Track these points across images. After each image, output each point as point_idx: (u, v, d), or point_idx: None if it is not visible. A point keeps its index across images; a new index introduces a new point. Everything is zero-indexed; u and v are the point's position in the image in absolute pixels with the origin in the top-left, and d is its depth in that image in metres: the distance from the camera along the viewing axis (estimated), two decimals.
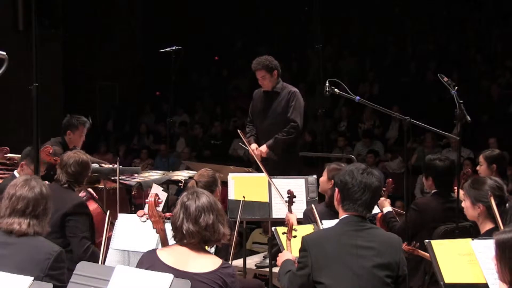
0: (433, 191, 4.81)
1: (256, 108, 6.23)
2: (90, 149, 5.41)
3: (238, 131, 5.80)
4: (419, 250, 4.14)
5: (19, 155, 6.10)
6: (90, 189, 5.12)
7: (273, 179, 5.03)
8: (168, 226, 3.14)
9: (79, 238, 4.30)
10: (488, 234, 3.62)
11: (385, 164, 10.31)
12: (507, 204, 3.89)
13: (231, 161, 10.69)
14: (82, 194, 4.97)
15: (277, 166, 5.77)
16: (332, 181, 4.53)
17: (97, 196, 5.12)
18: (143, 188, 5.72)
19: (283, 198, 4.70)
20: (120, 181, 5.52)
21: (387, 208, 4.87)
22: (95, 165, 5.62)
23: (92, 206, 4.82)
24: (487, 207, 3.70)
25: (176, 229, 3.00)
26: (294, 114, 5.96)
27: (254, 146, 5.96)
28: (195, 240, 2.97)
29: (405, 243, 4.08)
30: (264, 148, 5.95)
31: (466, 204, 3.81)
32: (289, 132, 5.94)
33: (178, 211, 3.02)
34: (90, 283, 2.78)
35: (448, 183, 4.74)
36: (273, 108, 6.06)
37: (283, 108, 6.00)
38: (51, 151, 5.29)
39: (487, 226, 3.71)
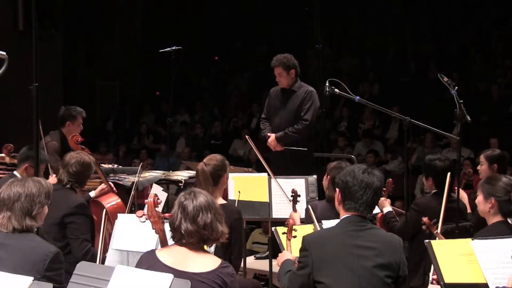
0: (433, 191, 4.82)
1: (272, 105, 6.28)
2: (90, 149, 5.41)
3: (246, 136, 5.82)
4: (438, 232, 4.13)
5: None
6: (110, 182, 5.14)
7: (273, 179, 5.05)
8: (167, 227, 3.13)
9: (80, 240, 4.29)
10: (495, 225, 3.73)
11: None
12: None
13: (231, 161, 10.64)
14: (103, 186, 5.01)
15: (291, 166, 5.78)
16: (330, 176, 4.57)
17: (116, 190, 5.14)
18: (137, 188, 5.73)
19: (287, 197, 4.72)
20: (115, 181, 5.52)
21: (387, 208, 4.88)
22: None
23: (112, 198, 4.87)
24: (498, 202, 3.75)
25: (175, 229, 3.00)
26: (308, 113, 6.01)
27: (272, 136, 6.07)
28: (194, 239, 2.96)
29: (427, 217, 4.09)
30: (272, 137, 6.03)
31: (478, 198, 3.87)
32: (299, 129, 5.98)
33: (176, 211, 3.02)
34: (90, 283, 2.78)
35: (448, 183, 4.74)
36: (288, 106, 6.12)
37: (298, 106, 6.06)
38: (79, 139, 5.33)
39: (495, 219, 3.78)
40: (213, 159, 4.43)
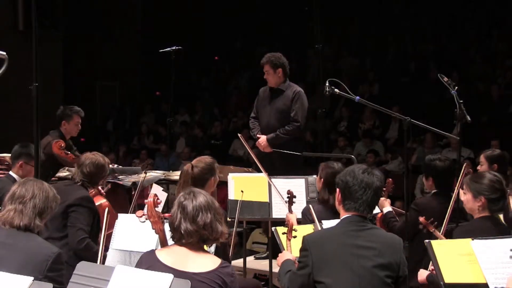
0: (433, 191, 4.82)
1: (260, 104, 6.30)
2: (90, 149, 5.42)
3: (239, 135, 5.81)
4: (435, 229, 4.14)
5: None
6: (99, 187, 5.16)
7: (273, 179, 5.04)
8: (167, 227, 3.13)
9: (76, 229, 4.33)
10: (479, 220, 3.77)
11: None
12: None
13: (231, 161, 10.69)
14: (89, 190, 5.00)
15: (278, 166, 5.80)
16: (322, 179, 4.58)
17: (104, 193, 5.14)
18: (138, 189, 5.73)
19: (283, 198, 4.71)
20: (115, 181, 5.52)
21: (387, 208, 4.88)
22: None
23: (100, 200, 4.87)
24: (488, 200, 3.77)
25: (174, 229, 2.99)
26: (297, 114, 6.02)
27: (264, 137, 6.05)
28: (194, 239, 2.96)
29: (424, 217, 4.11)
30: (263, 139, 6.02)
31: (467, 197, 3.87)
32: (290, 131, 5.99)
33: (175, 211, 3.01)
34: (90, 283, 2.78)
35: (448, 183, 4.74)
36: (276, 105, 6.13)
37: (286, 106, 6.07)
38: (62, 145, 5.39)
39: (482, 215, 3.81)
40: (201, 161, 4.37)
